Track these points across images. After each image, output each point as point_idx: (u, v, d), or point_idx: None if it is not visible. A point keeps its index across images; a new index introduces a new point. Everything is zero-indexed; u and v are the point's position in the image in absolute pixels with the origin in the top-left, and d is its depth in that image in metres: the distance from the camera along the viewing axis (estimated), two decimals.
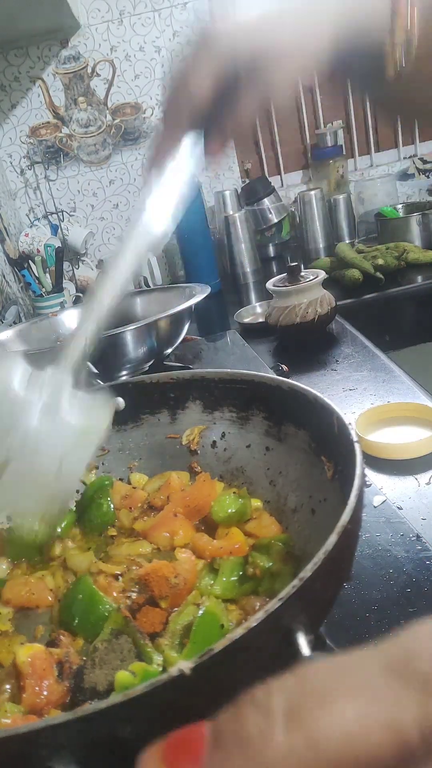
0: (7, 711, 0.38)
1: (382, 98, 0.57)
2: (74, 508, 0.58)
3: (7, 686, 0.39)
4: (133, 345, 0.94)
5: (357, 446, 0.38)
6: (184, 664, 0.23)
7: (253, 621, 0.25)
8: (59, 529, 0.54)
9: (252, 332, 1.24)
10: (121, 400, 0.62)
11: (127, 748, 0.24)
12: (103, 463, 0.62)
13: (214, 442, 0.60)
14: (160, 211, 0.47)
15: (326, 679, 0.18)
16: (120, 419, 0.62)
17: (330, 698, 0.17)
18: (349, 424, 0.42)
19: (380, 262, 1.44)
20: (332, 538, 0.30)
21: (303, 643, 0.26)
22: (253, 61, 0.44)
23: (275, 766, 0.17)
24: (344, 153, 1.96)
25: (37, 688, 0.38)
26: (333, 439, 0.44)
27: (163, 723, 0.24)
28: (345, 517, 0.31)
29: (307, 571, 0.27)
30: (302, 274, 1.10)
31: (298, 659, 0.26)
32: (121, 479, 0.61)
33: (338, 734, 0.17)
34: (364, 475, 0.35)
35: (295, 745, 0.17)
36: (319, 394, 0.47)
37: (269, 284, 1.12)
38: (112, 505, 0.56)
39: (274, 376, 0.56)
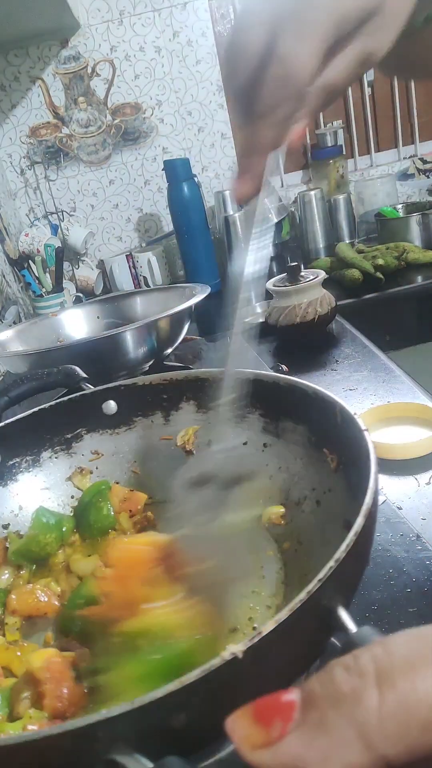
0: (31, 717, 0.37)
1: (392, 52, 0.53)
2: (72, 514, 0.58)
3: (26, 694, 0.39)
4: (133, 345, 0.94)
5: (366, 434, 0.39)
6: (235, 648, 0.24)
7: (297, 602, 0.26)
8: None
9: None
10: (112, 404, 0.61)
11: (179, 736, 0.25)
12: (96, 467, 0.62)
13: (210, 441, 0.60)
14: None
15: (412, 648, 0.19)
16: (112, 423, 0.62)
17: (419, 665, 0.18)
18: (355, 413, 0.42)
19: (380, 262, 1.44)
20: (359, 520, 0.31)
21: (347, 618, 0.28)
22: (364, 11, 0.36)
23: (369, 722, 0.17)
24: (344, 153, 1.96)
25: (57, 693, 0.38)
26: (335, 431, 0.45)
27: (214, 708, 0.25)
28: (368, 499, 0.33)
29: (341, 553, 0.29)
30: (302, 274, 1.10)
31: (346, 635, 0.27)
32: (117, 482, 0.61)
33: (430, 698, 0.18)
34: (377, 462, 0.37)
35: (389, 704, 0.18)
36: (319, 387, 0.48)
37: (269, 284, 1.12)
38: (111, 509, 0.56)
39: (271, 372, 0.56)
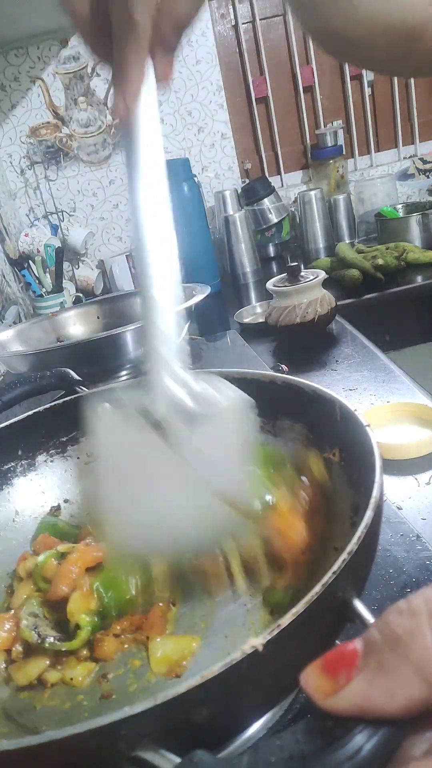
0: None
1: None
2: None
3: None
4: (133, 345, 0.94)
5: (368, 429, 0.40)
6: (255, 641, 0.25)
7: (314, 594, 0.27)
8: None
9: (252, 332, 1.24)
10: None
11: (203, 730, 0.26)
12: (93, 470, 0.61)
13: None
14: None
15: None
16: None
17: None
18: (355, 410, 0.43)
19: (380, 262, 1.44)
20: (369, 513, 0.32)
21: (363, 609, 0.28)
22: None
23: (425, 658, 0.19)
24: (344, 153, 1.96)
25: None
26: (335, 428, 0.45)
27: (235, 701, 0.26)
28: (376, 492, 0.33)
29: (353, 545, 0.30)
30: (302, 274, 1.10)
31: (363, 625, 0.28)
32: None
33: None
34: (381, 455, 0.37)
35: None
36: (317, 385, 0.48)
37: (269, 284, 1.12)
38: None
39: (267, 372, 0.56)
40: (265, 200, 1.88)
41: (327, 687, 0.21)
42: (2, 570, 0.54)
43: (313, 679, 0.21)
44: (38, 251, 1.66)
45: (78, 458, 0.61)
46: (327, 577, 0.28)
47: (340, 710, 0.20)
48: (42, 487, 0.59)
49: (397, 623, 0.20)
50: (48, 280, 1.64)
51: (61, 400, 0.60)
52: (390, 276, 1.44)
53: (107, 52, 0.39)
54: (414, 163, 2.04)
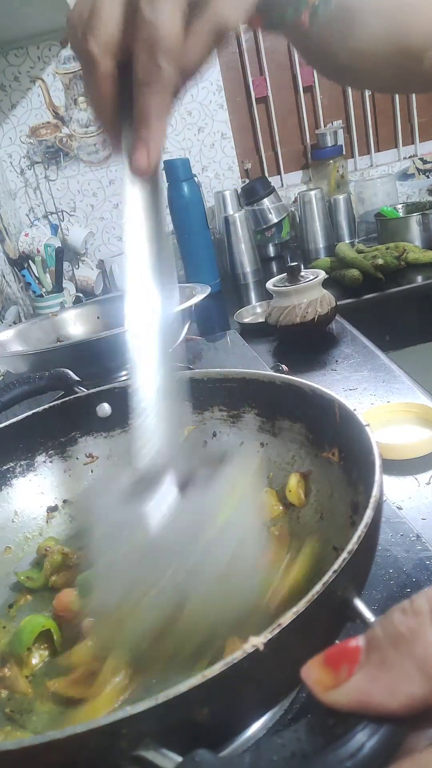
0: None
1: (299, 42, 0.54)
2: None
3: None
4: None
5: (367, 429, 0.40)
6: (256, 640, 0.25)
7: (314, 594, 0.27)
8: None
9: (252, 332, 1.24)
10: (106, 406, 0.61)
11: (204, 729, 0.26)
12: (92, 471, 0.62)
13: (205, 442, 0.60)
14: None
15: None
16: (107, 425, 0.62)
17: None
18: (355, 410, 0.43)
19: (380, 262, 1.44)
20: (369, 512, 0.32)
21: (364, 608, 0.28)
22: None
23: (427, 656, 0.19)
24: (344, 153, 1.96)
25: None
26: (334, 428, 0.45)
27: (236, 700, 0.26)
28: (375, 492, 0.33)
29: (354, 544, 0.30)
30: (302, 274, 1.10)
31: (364, 624, 0.28)
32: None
33: None
34: (380, 455, 0.37)
35: None
36: (316, 385, 0.48)
37: (269, 284, 1.12)
38: None
39: (267, 372, 0.56)
40: (265, 200, 1.88)
41: (328, 680, 0.21)
42: (2, 570, 0.54)
43: (314, 672, 0.21)
44: (38, 251, 1.66)
45: (77, 459, 0.61)
46: (327, 576, 0.28)
47: (340, 704, 0.20)
48: (41, 488, 0.59)
49: (400, 621, 0.21)
50: (48, 280, 1.64)
51: (60, 401, 0.61)
52: (390, 276, 1.44)
53: (118, 135, 0.39)
54: (414, 163, 2.04)
